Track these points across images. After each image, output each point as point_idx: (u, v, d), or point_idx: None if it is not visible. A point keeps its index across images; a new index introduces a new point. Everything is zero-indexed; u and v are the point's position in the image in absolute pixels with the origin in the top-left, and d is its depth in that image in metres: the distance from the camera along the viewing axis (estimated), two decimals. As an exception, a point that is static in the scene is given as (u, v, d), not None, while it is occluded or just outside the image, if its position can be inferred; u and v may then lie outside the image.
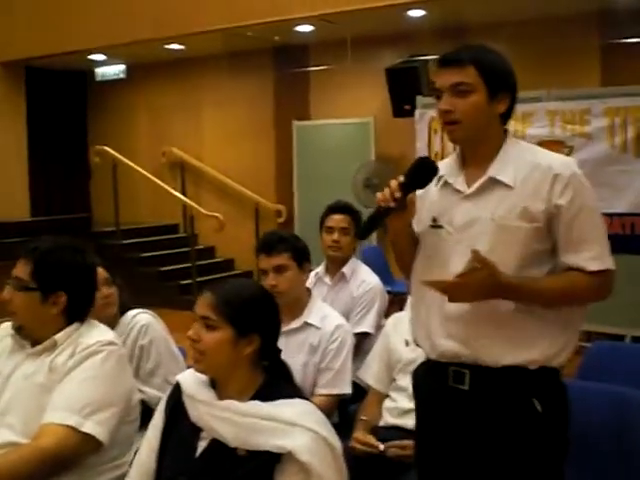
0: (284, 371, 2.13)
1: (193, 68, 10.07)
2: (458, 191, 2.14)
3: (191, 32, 8.42)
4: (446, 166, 2.20)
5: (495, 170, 2.08)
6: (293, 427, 1.92)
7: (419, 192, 2.15)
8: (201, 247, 9.74)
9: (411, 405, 2.83)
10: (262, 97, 9.70)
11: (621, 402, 2.49)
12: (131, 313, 3.07)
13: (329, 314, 3.16)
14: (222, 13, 8.00)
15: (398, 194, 2.06)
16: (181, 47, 9.38)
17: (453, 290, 1.99)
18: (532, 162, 2.07)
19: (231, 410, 1.97)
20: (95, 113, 11.41)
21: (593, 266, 2.00)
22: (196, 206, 9.33)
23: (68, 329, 2.31)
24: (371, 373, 3.13)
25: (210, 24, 8.15)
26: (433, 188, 2.18)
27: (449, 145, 6.04)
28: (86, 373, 2.21)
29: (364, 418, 2.92)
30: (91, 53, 9.71)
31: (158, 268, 9.33)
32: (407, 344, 3.01)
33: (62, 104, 11.16)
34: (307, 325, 3.09)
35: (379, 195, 2.10)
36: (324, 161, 8.68)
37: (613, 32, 7.20)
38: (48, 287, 2.29)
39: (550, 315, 2.03)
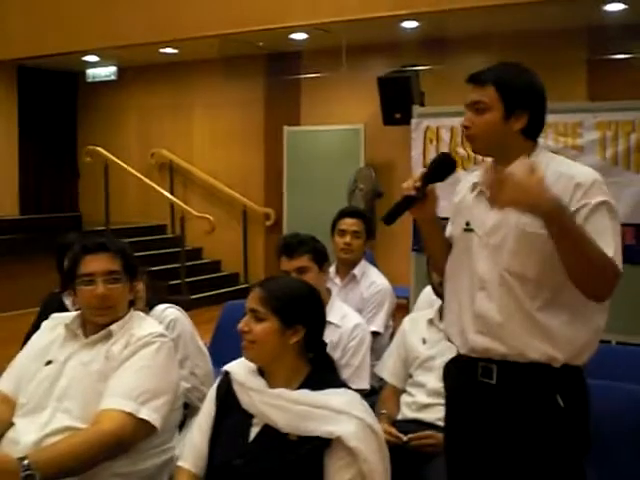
0: (329, 363, 2.30)
1: (185, 71, 10.23)
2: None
3: (186, 37, 8.60)
4: (480, 175, 2.38)
5: None
6: (341, 415, 2.08)
7: (457, 198, 2.32)
8: (189, 248, 9.86)
9: (429, 400, 3.06)
10: (253, 102, 9.88)
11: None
12: (160, 308, 3.20)
13: (348, 313, 3.33)
14: (218, 19, 8.17)
15: (419, 183, 2.26)
16: (175, 51, 9.55)
17: (502, 184, 2.04)
18: (557, 172, 2.21)
19: (283, 398, 2.13)
20: (85, 113, 11.54)
21: (609, 253, 2.09)
22: (187, 207, 9.46)
23: (121, 321, 2.46)
24: (387, 369, 3.31)
25: (206, 30, 8.32)
26: (469, 195, 2.37)
27: (445, 154, 6.23)
28: (141, 362, 2.37)
29: (384, 412, 3.08)
30: (85, 54, 9.84)
31: (147, 268, 9.41)
32: (424, 342, 3.19)
33: (53, 104, 11.29)
34: (327, 323, 3.23)
35: (403, 184, 2.30)
36: (314, 166, 8.88)
37: (600, 48, 7.48)
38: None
39: (573, 315, 2.18)
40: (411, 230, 6.45)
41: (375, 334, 3.78)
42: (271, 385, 2.20)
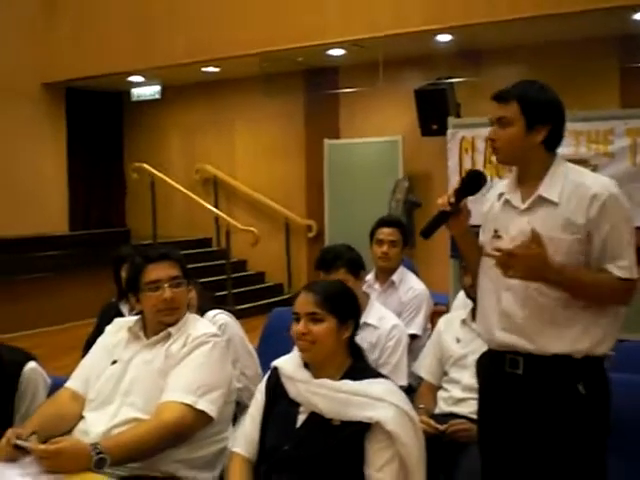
0: (361, 354, 2.54)
1: (226, 88, 10.53)
2: (515, 207, 2.53)
3: (227, 56, 8.89)
4: (506, 185, 2.60)
5: (544, 189, 2.46)
6: (380, 402, 2.31)
7: (485, 208, 2.55)
8: (234, 260, 10.13)
9: (464, 395, 3.29)
10: (293, 116, 10.15)
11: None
12: (211, 313, 3.45)
13: (386, 315, 3.55)
14: (258, 38, 8.45)
15: (452, 199, 2.50)
16: (216, 69, 9.84)
17: (508, 260, 2.31)
18: (576, 181, 2.43)
19: (326, 387, 2.37)
20: (131, 131, 11.91)
21: (622, 274, 2.35)
22: (232, 221, 9.74)
23: (179, 323, 2.72)
24: (424, 367, 3.54)
25: (246, 48, 8.61)
26: (496, 204, 2.59)
27: (479, 163, 6.42)
28: (197, 360, 2.62)
29: (422, 406, 3.29)
30: (129, 75, 10.21)
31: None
32: (458, 341, 3.42)
33: (100, 123, 11.68)
34: (366, 325, 3.44)
35: (439, 200, 2.54)
36: (354, 178, 9.09)
37: (632, 56, 7.60)
38: None
39: (592, 311, 2.39)
40: (448, 237, 6.65)
41: (413, 337, 3.97)
42: (316, 376, 2.43)
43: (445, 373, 3.45)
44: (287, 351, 3.70)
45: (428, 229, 2.56)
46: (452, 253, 6.64)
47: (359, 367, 2.48)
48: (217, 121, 10.85)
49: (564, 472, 2.39)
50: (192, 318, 2.81)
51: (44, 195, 10.48)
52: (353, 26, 7.77)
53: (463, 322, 3.47)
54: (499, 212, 2.58)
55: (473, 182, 2.54)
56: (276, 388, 2.51)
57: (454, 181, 6.57)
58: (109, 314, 4.30)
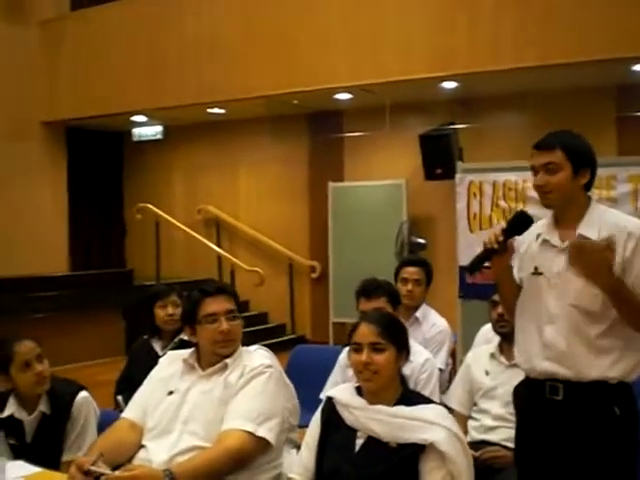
0: (406, 382, 2.73)
1: (231, 130, 10.70)
2: (554, 246, 2.73)
3: (235, 98, 9.07)
4: (543, 226, 2.80)
5: (583, 229, 2.67)
6: (433, 425, 2.48)
7: (522, 248, 2.75)
8: (237, 301, 10.17)
9: (494, 423, 3.51)
10: (298, 159, 10.33)
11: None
12: (252, 348, 3.57)
13: (419, 350, 3.71)
14: (265, 81, 8.64)
15: (501, 238, 2.69)
16: (222, 111, 10.00)
17: (579, 253, 2.50)
18: (612, 222, 2.65)
19: (383, 413, 2.54)
20: (131, 172, 11.99)
21: None
22: (237, 261, 9.88)
23: (235, 354, 2.87)
24: (455, 398, 3.74)
25: (253, 91, 8.80)
26: (534, 244, 2.79)
27: (487, 207, 6.64)
28: (256, 389, 2.77)
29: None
30: (132, 115, 10.33)
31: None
32: (487, 374, 3.62)
33: (100, 163, 11.74)
34: (400, 359, 3.61)
35: (485, 239, 2.74)
36: (358, 220, 9.25)
37: (628, 105, 7.89)
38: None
39: (626, 340, 2.60)
40: (457, 279, 6.84)
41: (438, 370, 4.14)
42: (370, 403, 2.59)
43: (475, 404, 3.65)
44: (314, 385, 3.89)
45: (475, 265, 2.76)
46: (460, 294, 6.83)
47: (410, 394, 2.67)
48: (220, 162, 10.98)
49: None
50: (245, 351, 2.96)
51: (45, 235, 10.51)
52: (360, 71, 7.98)
53: (492, 355, 3.67)
54: (537, 251, 2.77)
55: (521, 223, 2.74)
56: (331, 417, 2.67)
57: (463, 224, 6.79)
58: (141, 351, 4.45)
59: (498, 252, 2.71)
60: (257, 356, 2.94)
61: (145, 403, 2.93)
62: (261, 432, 2.67)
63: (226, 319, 2.88)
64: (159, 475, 2.43)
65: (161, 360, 3.11)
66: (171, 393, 2.89)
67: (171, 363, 3.02)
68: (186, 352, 3.01)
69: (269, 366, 2.87)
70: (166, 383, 2.94)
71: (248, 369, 2.82)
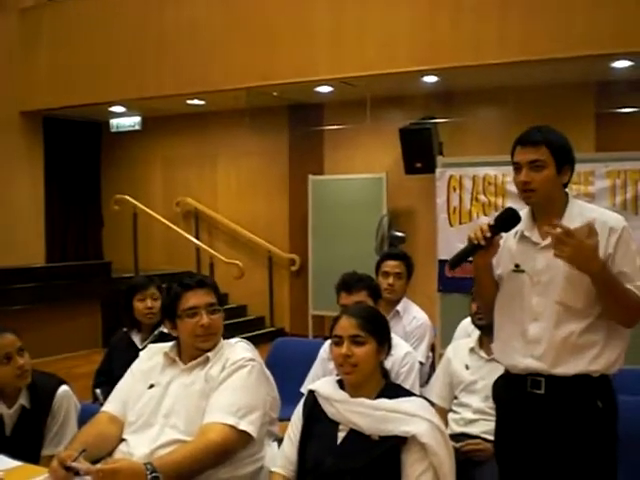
0: (388, 375, 2.74)
1: (210, 121, 10.65)
2: (535, 243, 2.73)
3: (214, 90, 8.97)
4: (521, 222, 2.78)
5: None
6: (414, 417, 2.49)
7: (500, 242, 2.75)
8: (215, 293, 10.14)
9: (475, 416, 3.53)
10: (277, 152, 10.31)
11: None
12: (232, 341, 3.56)
13: (399, 343, 3.71)
14: (246, 73, 8.58)
15: (488, 234, 2.67)
16: (201, 102, 9.92)
17: (565, 238, 2.46)
18: (593, 218, 2.64)
19: (364, 405, 2.55)
20: (109, 163, 11.90)
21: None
22: (216, 254, 9.86)
23: (216, 348, 2.86)
24: (435, 392, 3.76)
25: (233, 83, 8.72)
26: (512, 240, 2.79)
27: (466, 201, 6.67)
28: (237, 383, 2.76)
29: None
30: (111, 105, 10.21)
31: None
32: (467, 368, 3.64)
33: (77, 153, 11.63)
34: (380, 351, 3.62)
35: (471, 234, 2.71)
36: (338, 213, 9.26)
37: (607, 102, 7.95)
38: None
39: (609, 334, 2.63)
40: (436, 273, 6.87)
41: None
42: (352, 396, 2.59)
43: (455, 397, 3.67)
44: (295, 378, 3.89)
45: (457, 260, 2.73)
46: (439, 288, 6.87)
47: (392, 387, 2.68)
48: (200, 154, 10.93)
49: (581, 477, 2.63)
50: (227, 343, 2.95)
51: (21, 227, 10.33)
52: (342, 64, 7.93)
53: (471, 350, 3.69)
54: (516, 248, 2.78)
55: (510, 220, 2.72)
56: (313, 410, 2.67)
57: (443, 218, 6.82)
58: (121, 344, 4.42)
59: (483, 248, 2.69)
60: (238, 349, 2.92)
61: (126, 396, 2.90)
62: (243, 426, 2.66)
63: (207, 313, 2.86)
64: (140, 468, 2.41)
65: (141, 353, 3.08)
66: (152, 386, 2.87)
67: (152, 356, 3.00)
68: (167, 345, 2.99)
69: (251, 359, 2.85)
70: (147, 376, 2.92)
71: (230, 362, 2.81)
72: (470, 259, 2.77)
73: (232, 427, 2.64)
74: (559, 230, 2.47)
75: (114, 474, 2.36)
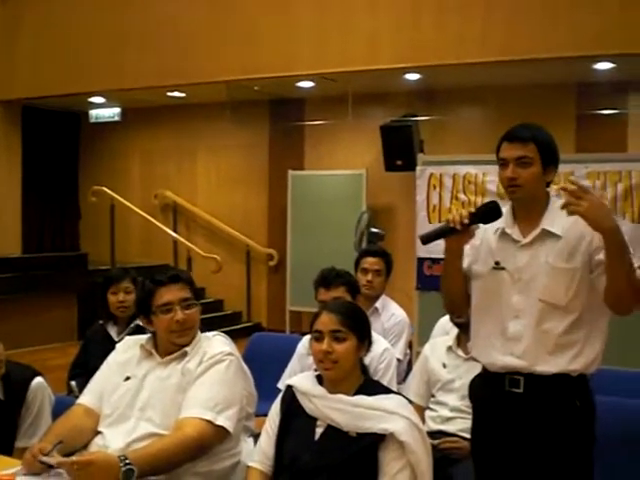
0: (368, 372, 2.72)
1: (190, 114, 10.56)
2: (516, 241, 2.72)
3: (194, 82, 8.90)
4: (502, 220, 2.78)
5: (547, 223, 2.68)
6: (392, 415, 2.48)
7: (477, 241, 2.76)
8: (193, 287, 10.11)
9: (451, 414, 3.54)
10: (258, 146, 10.27)
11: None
12: (210, 334, 3.54)
13: (377, 339, 3.67)
14: (227, 66, 8.51)
15: (467, 221, 2.64)
16: (181, 94, 9.87)
17: (583, 194, 2.40)
18: (576, 216, 2.62)
19: (343, 402, 2.53)
20: (87, 154, 11.77)
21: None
22: (194, 247, 9.81)
23: (193, 341, 2.83)
24: (412, 390, 3.76)
25: (214, 76, 8.65)
26: (492, 236, 2.78)
27: (446, 199, 6.66)
28: (215, 377, 2.74)
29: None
30: (91, 96, 10.11)
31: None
32: (444, 366, 3.64)
33: (56, 144, 11.50)
34: (358, 348, 3.62)
35: (450, 216, 2.69)
36: (317, 209, 9.24)
37: (588, 103, 7.99)
38: None
39: (590, 332, 2.63)
40: (415, 271, 6.87)
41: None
42: (331, 392, 2.58)
43: (432, 395, 3.67)
44: (272, 373, 3.88)
45: (429, 237, 2.71)
46: (418, 286, 6.86)
47: (371, 383, 2.66)
48: (179, 146, 10.87)
49: (557, 476, 2.63)
50: (205, 337, 2.92)
51: (-2, 216, 10.26)
52: (324, 59, 7.90)
53: (449, 348, 3.68)
54: (496, 245, 2.77)
55: (491, 213, 2.70)
56: (291, 405, 2.64)
57: (422, 215, 6.81)
58: (97, 336, 4.39)
59: (458, 233, 2.66)
60: (216, 343, 2.89)
61: (101, 389, 2.88)
62: (220, 421, 2.64)
63: (181, 308, 2.82)
64: (114, 461, 2.38)
65: (118, 345, 3.05)
66: (128, 379, 2.84)
67: (128, 348, 2.97)
68: (143, 338, 2.96)
69: (229, 354, 2.83)
70: (123, 368, 2.89)
71: (207, 356, 2.78)
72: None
73: (209, 422, 2.62)
74: (574, 187, 2.41)
75: (88, 466, 2.33)
